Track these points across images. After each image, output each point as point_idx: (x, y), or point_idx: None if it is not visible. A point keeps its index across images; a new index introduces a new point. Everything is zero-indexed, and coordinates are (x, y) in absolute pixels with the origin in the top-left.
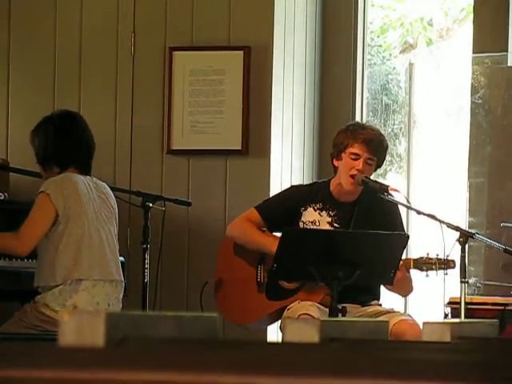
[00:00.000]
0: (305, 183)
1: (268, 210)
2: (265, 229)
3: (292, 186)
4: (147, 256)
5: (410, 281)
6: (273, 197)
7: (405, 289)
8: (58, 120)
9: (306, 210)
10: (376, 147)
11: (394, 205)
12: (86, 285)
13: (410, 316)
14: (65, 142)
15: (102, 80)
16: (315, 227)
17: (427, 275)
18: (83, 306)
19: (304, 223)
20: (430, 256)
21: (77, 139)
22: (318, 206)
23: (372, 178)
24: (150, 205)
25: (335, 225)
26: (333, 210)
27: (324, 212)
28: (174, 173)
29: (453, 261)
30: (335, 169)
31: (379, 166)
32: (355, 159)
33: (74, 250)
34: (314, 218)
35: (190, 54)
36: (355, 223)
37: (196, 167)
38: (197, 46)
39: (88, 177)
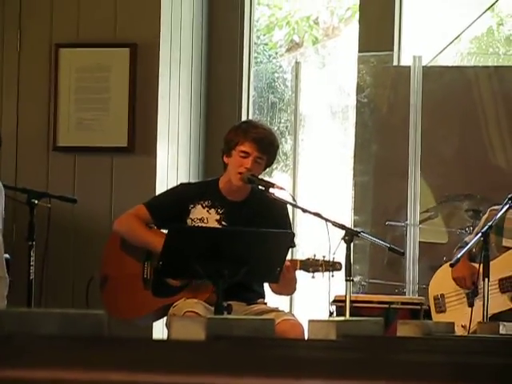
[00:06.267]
0: (193, 181)
1: (156, 207)
2: (152, 225)
3: (181, 184)
4: (33, 253)
5: (295, 281)
6: (161, 193)
7: (288, 288)
8: None
9: (194, 207)
10: (266, 146)
11: (282, 204)
12: None
13: (293, 316)
14: None
15: None
16: (203, 225)
17: (313, 277)
18: None
19: (192, 220)
20: (317, 257)
21: None
22: (206, 203)
23: (260, 176)
24: (36, 202)
25: (223, 223)
26: (221, 208)
27: (212, 210)
28: (59, 170)
29: (339, 263)
30: (225, 166)
31: (269, 165)
32: (244, 157)
33: None
34: (203, 216)
35: (75, 51)
36: (244, 222)
37: (82, 164)
38: (83, 43)
39: None
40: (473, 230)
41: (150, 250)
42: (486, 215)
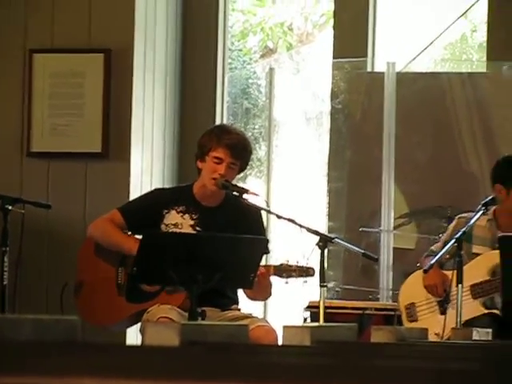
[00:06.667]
0: (168, 186)
1: (130, 212)
2: (127, 231)
3: (155, 189)
4: (6, 259)
5: (270, 287)
6: (136, 198)
7: (263, 294)
8: None
9: (168, 212)
10: (239, 152)
11: (256, 210)
12: None
13: (267, 322)
14: None
15: None
16: (177, 230)
17: (287, 282)
18: None
19: (166, 226)
20: (290, 263)
21: None
22: (180, 208)
23: (233, 182)
24: (9, 207)
25: (198, 228)
26: (196, 213)
27: (187, 215)
28: (33, 175)
29: (312, 268)
30: (199, 171)
31: (242, 170)
32: (218, 163)
33: None
34: (177, 221)
35: (49, 57)
36: (218, 227)
37: (56, 170)
38: (57, 49)
39: None
40: None
41: (124, 254)
42: (453, 223)
